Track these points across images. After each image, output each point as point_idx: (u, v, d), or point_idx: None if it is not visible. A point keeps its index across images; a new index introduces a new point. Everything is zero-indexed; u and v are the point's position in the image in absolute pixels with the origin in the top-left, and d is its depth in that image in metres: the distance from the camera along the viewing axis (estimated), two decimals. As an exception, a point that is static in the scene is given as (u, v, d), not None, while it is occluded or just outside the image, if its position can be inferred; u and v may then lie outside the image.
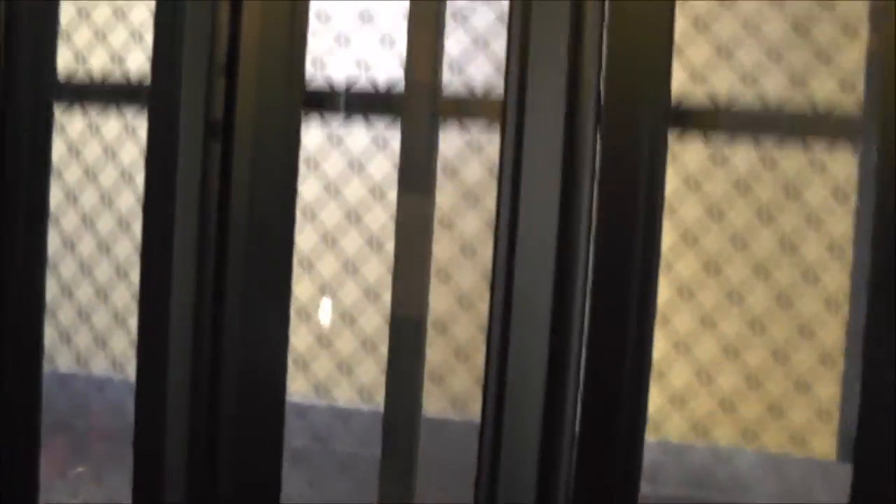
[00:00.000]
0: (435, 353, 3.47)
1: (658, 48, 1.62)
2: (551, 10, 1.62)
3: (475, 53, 3.40)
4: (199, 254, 1.72)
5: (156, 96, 1.66)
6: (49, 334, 3.85)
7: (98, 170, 3.76)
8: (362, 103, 1.85)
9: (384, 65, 3.48)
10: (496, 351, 1.66)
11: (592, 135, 1.65)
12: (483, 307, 3.40)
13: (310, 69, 3.51)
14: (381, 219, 3.49)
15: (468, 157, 3.41)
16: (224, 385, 1.76)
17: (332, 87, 1.87)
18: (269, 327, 1.76)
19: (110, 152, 3.75)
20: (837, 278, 3.17)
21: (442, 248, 3.44)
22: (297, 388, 3.58)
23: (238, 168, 1.66)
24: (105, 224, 3.76)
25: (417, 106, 1.77)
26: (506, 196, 1.65)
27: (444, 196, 3.43)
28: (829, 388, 3.17)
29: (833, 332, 3.16)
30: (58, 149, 3.81)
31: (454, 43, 3.41)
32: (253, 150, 1.67)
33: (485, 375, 1.68)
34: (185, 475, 1.79)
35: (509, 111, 1.65)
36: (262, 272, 1.73)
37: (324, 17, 3.51)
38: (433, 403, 3.47)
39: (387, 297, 3.50)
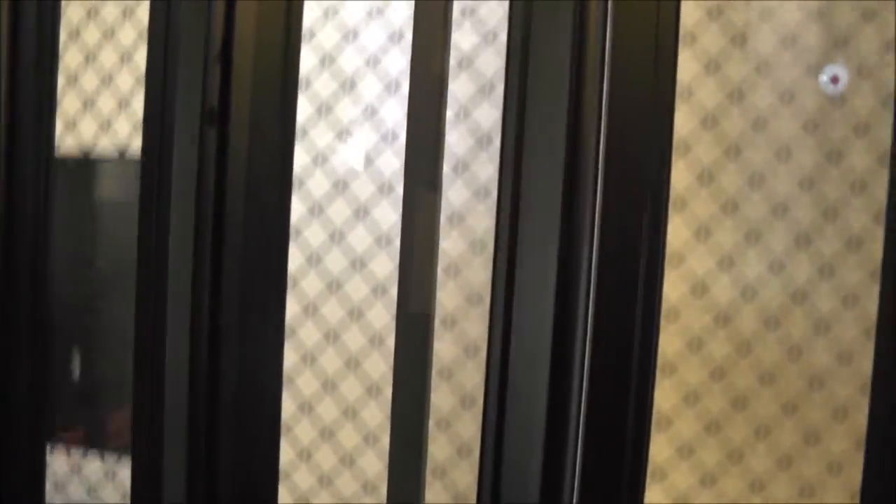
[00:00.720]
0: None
1: (662, 44, 1.61)
2: (553, 9, 1.61)
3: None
4: (196, 242, 1.72)
5: (151, 83, 1.66)
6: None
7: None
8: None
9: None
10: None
11: (595, 133, 1.63)
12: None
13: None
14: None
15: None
16: (222, 372, 1.75)
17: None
18: (265, 317, 1.76)
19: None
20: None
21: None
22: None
23: (234, 154, 1.66)
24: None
25: (424, 100, 1.76)
26: (505, 205, 1.63)
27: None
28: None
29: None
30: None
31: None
32: (249, 136, 1.66)
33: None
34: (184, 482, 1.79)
35: (509, 112, 1.64)
36: (259, 260, 1.72)
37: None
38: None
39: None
